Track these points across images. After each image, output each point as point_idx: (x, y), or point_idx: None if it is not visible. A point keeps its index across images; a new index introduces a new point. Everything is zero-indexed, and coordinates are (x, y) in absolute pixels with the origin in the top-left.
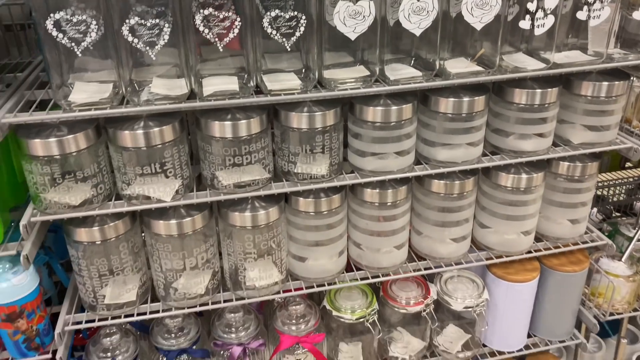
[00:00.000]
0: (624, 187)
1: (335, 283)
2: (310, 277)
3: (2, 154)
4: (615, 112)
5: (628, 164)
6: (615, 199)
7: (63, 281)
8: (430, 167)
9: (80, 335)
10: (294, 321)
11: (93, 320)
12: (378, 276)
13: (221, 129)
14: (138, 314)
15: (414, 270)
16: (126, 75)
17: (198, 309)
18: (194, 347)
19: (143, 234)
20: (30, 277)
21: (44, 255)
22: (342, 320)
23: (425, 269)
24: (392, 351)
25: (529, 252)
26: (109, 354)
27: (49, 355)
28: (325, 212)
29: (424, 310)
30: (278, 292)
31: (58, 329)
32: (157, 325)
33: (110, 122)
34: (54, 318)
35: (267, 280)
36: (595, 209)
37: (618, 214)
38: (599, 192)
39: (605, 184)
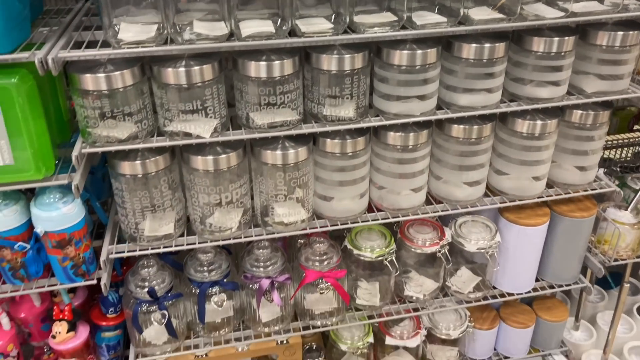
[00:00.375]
0: (631, 149)
1: (357, 222)
2: (334, 216)
3: (50, 94)
4: (629, 62)
5: (636, 127)
6: (622, 159)
7: (101, 218)
8: (451, 112)
9: (114, 272)
10: (317, 258)
11: (134, 250)
12: (398, 217)
13: (256, 69)
14: (176, 247)
15: (432, 212)
16: (170, 17)
17: (231, 241)
18: (225, 279)
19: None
20: (79, 208)
21: (85, 192)
22: (362, 258)
23: (442, 211)
24: (407, 290)
25: (540, 197)
26: (146, 283)
27: (94, 282)
28: (350, 154)
29: (439, 251)
30: (304, 229)
31: (103, 257)
32: (190, 259)
33: (154, 61)
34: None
35: (294, 217)
36: (602, 170)
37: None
38: (606, 154)
39: (613, 144)
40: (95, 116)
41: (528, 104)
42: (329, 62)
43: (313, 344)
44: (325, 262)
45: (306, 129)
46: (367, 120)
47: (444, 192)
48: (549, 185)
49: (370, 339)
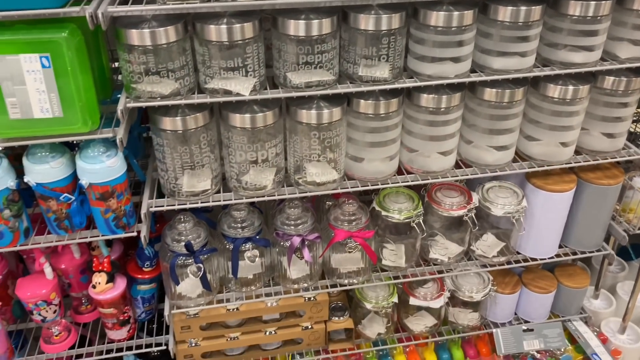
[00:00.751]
0: None
1: (387, 184)
2: (364, 177)
3: (94, 50)
4: None
5: None
6: None
7: (139, 175)
8: (484, 75)
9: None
10: (346, 218)
11: (173, 205)
12: (427, 179)
13: (295, 27)
14: (213, 202)
15: (462, 176)
16: None
17: (265, 198)
18: (257, 236)
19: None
20: (121, 161)
21: (125, 149)
22: (390, 219)
23: (471, 175)
24: (432, 253)
25: (568, 163)
26: (182, 238)
27: (134, 234)
28: (382, 115)
29: (466, 215)
30: (335, 189)
31: (143, 210)
32: (224, 216)
33: (197, 18)
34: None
35: (326, 177)
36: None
37: None
38: (631, 128)
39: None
40: (140, 72)
41: (561, 68)
42: (366, 22)
43: (339, 302)
44: (354, 223)
45: (341, 89)
46: (401, 82)
47: (473, 156)
48: (577, 152)
49: (395, 299)
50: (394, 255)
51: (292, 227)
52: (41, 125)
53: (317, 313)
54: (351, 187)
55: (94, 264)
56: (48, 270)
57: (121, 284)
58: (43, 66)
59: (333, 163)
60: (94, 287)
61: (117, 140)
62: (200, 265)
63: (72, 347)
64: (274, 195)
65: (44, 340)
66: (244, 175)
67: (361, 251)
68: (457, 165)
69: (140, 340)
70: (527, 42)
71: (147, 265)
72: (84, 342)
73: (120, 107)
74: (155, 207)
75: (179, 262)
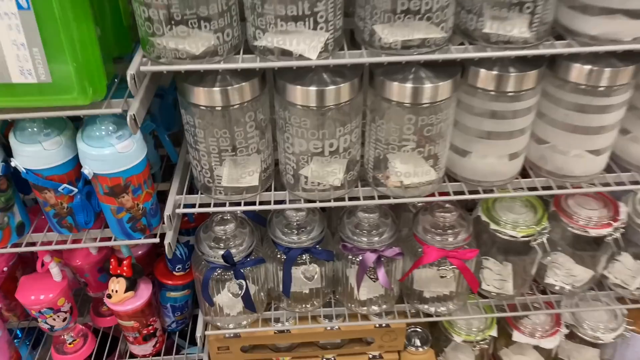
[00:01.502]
0: None
1: (507, 190)
2: (472, 178)
3: None
4: None
5: None
6: None
7: (171, 155)
8: None
9: (186, 218)
10: (440, 231)
11: (208, 205)
12: (564, 186)
13: None
14: (260, 203)
15: (616, 184)
16: None
17: (332, 204)
18: (318, 246)
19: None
20: (137, 145)
21: (151, 122)
22: (499, 236)
23: (630, 182)
24: (550, 277)
25: None
26: (221, 244)
27: (156, 239)
28: (512, 94)
29: (610, 235)
30: (432, 195)
31: (167, 211)
32: (276, 217)
33: None
34: (160, 197)
35: (419, 178)
36: None
37: None
38: None
39: None
40: (160, 19)
41: None
42: None
43: (417, 328)
44: (451, 237)
45: (456, 53)
46: (548, 45)
47: (636, 156)
48: None
49: (493, 332)
50: (498, 279)
51: (365, 239)
52: (22, 93)
53: (390, 342)
54: (454, 193)
55: (111, 266)
56: (55, 270)
57: (145, 291)
58: (19, 6)
59: (432, 160)
60: (109, 296)
61: (128, 119)
62: (242, 282)
63: (90, 357)
64: (344, 200)
65: (55, 349)
66: (304, 170)
67: (457, 274)
68: (607, 169)
69: (168, 357)
70: None
71: (178, 268)
72: (104, 349)
73: (130, 70)
74: (184, 206)
75: (215, 275)
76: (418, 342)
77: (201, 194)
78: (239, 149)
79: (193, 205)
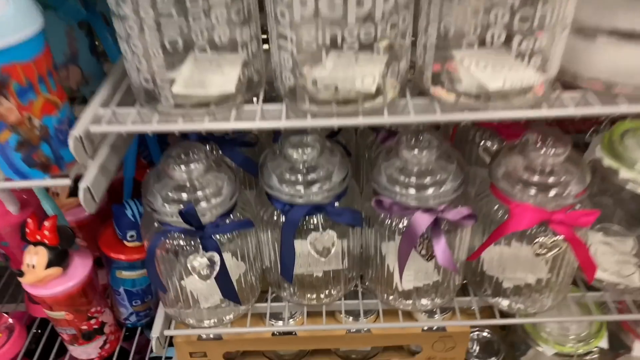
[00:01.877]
0: None
1: None
2: (605, 78)
3: None
4: None
5: None
6: None
7: (108, 50)
8: None
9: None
10: (537, 180)
11: (148, 122)
12: None
13: None
14: (235, 120)
15: None
16: None
17: (361, 120)
18: (336, 203)
19: None
20: (18, 8)
21: (82, 8)
22: (631, 190)
23: None
24: None
25: None
26: (183, 195)
27: (68, 181)
28: None
29: None
30: (529, 114)
31: (77, 130)
32: (271, 157)
33: None
34: None
35: (512, 81)
36: None
37: None
38: None
39: None
40: None
41: None
42: None
43: (484, 332)
44: (554, 192)
45: None
46: None
47: None
48: None
49: (602, 343)
50: (619, 260)
51: (414, 192)
52: None
53: (446, 352)
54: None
55: (27, 230)
56: None
57: (81, 268)
58: None
59: (533, 54)
60: (20, 274)
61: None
62: (215, 255)
63: (16, 358)
64: (382, 115)
65: None
66: (316, 70)
67: (560, 252)
68: None
69: None
70: None
71: (131, 237)
72: (52, 347)
73: None
74: (105, 126)
75: (171, 244)
76: (485, 352)
77: (141, 105)
78: (204, 35)
79: (122, 124)
